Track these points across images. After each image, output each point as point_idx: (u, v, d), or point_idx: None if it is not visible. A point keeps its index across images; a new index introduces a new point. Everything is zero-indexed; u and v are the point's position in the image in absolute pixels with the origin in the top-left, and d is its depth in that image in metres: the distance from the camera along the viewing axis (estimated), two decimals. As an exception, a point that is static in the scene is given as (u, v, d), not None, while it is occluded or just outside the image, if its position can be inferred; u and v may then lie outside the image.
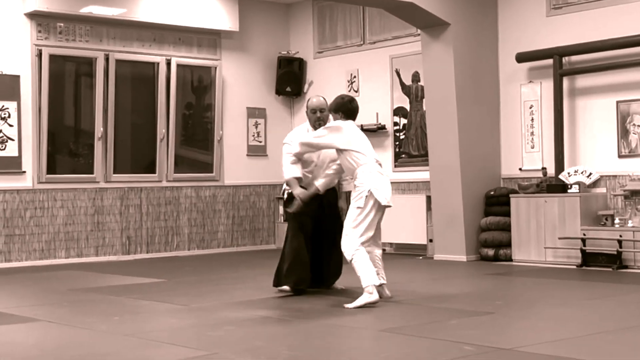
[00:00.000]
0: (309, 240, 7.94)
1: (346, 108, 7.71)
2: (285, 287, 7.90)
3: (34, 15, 11.60)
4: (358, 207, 7.34)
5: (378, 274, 7.38)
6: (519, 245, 10.61)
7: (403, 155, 12.48)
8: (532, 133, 11.13)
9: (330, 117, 7.91)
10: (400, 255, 12.04)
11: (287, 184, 7.92)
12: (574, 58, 10.74)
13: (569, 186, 10.30)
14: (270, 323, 6.66)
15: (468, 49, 11.21)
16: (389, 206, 7.48)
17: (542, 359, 5.10)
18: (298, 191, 7.74)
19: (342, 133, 7.52)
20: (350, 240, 7.29)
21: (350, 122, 7.68)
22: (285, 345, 5.75)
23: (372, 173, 7.41)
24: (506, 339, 5.87)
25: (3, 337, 6.27)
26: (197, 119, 13.28)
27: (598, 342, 5.67)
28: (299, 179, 7.82)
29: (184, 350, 5.57)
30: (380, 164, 7.56)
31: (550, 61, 10.78)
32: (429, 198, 11.69)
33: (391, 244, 12.41)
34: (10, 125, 11.38)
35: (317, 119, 7.94)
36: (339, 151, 7.55)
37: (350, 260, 7.29)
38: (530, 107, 11.16)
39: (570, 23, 10.77)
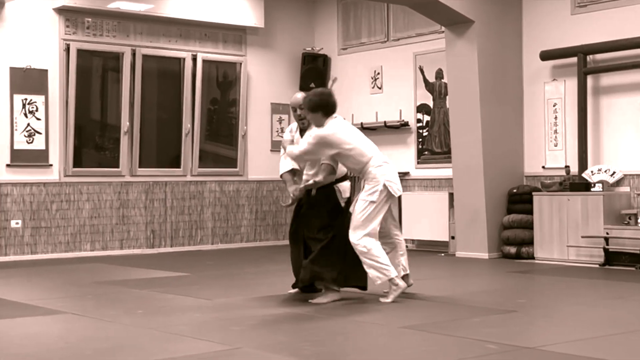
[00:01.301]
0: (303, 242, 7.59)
1: (326, 104, 7.25)
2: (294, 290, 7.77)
3: (62, 10, 11.61)
4: (372, 202, 7.19)
5: (399, 264, 7.33)
6: (542, 244, 10.52)
7: (426, 152, 12.41)
8: (555, 131, 11.04)
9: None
10: (422, 252, 11.98)
11: (283, 180, 7.74)
12: (599, 56, 10.63)
13: (592, 185, 10.20)
14: (292, 318, 6.62)
15: (492, 46, 11.13)
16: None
17: (566, 358, 5.03)
18: (292, 188, 7.52)
19: (330, 142, 7.12)
20: (361, 233, 7.18)
21: (334, 121, 7.26)
22: (307, 341, 5.71)
23: (382, 166, 7.26)
24: (529, 337, 5.80)
25: (28, 329, 6.28)
26: (221, 114, 13.27)
27: (621, 341, 5.59)
28: (294, 172, 7.61)
29: (208, 344, 5.55)
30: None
31: (574, 59, 10.68)
32: (451, 195, 11.60)
33: (413, 241, 12.35)
34: (38, 119, 11.40)
35: (298, 117, 7.53)
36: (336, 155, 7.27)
37: (365, 252, 7.14)
38: (554, 105, 11.07)
39: (595, 21, 10.67)
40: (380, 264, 7.13)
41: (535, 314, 6.80)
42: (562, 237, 10.31)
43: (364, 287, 7.55)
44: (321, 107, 7.23)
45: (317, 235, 7.37)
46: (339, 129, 7.21)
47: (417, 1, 10.74)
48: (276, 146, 13.61)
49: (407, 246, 12.07)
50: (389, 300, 7.13)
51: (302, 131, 7.52)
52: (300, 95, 7.59)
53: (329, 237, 7.32)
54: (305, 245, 7.50)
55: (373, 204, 7.19)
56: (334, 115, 7.33)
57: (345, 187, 7.52)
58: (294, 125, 7.74)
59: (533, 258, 10.59)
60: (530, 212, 10.73)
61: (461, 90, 11.17)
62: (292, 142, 7.60)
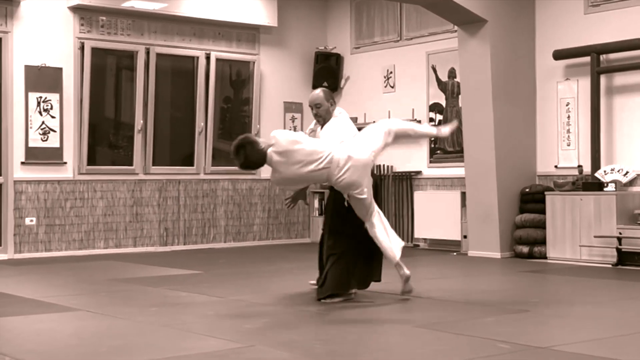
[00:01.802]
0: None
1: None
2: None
3: (77, 9, 11.63)
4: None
5: None
6: (554, 243, 10.49)
7: (438, 152, 12.39)
8: (568, 130, 11.01)
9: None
10: (434, 251, 11.96)
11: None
12: (612, 56, 10.59)
13: (605, 184, 10.17)
14: (305, 316, 6.62)
15: (505, 45, 11.09)
16: None
17: (578, 358, 5.02)
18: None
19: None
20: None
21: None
22: (320, 339, 5.70)
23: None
24: (542, 337, 5.78)
25: (43, 325, 6.29)
26: (234, 113, 13.28)
27: (634, 342, 5.57)
28: None
29: (221, 342, 5.55)
30: None
31: (587, 59, 10.64)
32: (463, 194, 11.58)
33: (425, 240, 12.34)
34: (53, 117, 11.43)
35: (315, 115, 7.53)
36: None
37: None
38: (567, 105, 11.03)
39: (608, 20, 10.63)
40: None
41: (547, 313, 6.78)
42: (574, 237, 10.28)
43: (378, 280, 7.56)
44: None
45: (328, 241, 7.33)
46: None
47: (430, 0, 10.73)
48: (289, 145, 13.60)
49: (418, 245, 12.12)
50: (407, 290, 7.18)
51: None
52: (317, 93, 7.52)
53: (338, 248, 7.22)
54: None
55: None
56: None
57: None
58: (313, 123, 7.69)
59: (545, 258, 10.55)
60: (542, 211, 10.70)
61: (474, 90, 11.15)
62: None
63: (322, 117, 7.42)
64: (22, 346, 5.49)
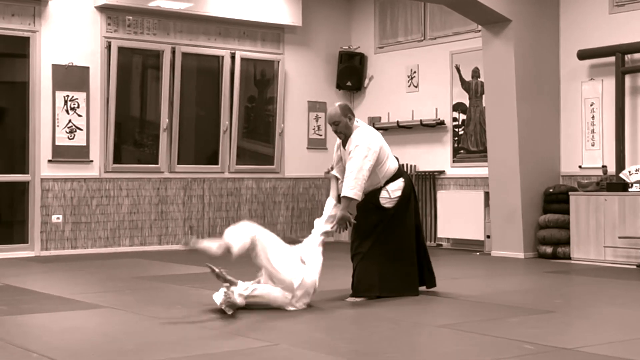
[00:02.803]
0: None
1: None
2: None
3: (104, 9, 11.67)
4: None
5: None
6: (578, 244, 10.42)
7: (462, 151, 12.35)
8: (592, 131, 10.94)
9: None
10: (457, 250, 11.92)
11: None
12: (637, 55, 10.51)
13: (630, 185, 10.09)
14: (330, 315, 6.60)
15: (529, 45, 11.04)
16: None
17: None
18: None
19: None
20: None
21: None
22: (344, 338, 5.69)
23: None
24: (567, 338, 5.74)
25: (69, 323, 6.31)
26: (259, 112, 13.28)
27: (660, 343, 5.53)
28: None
29: (246, 340, 5.55)
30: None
31: (612, 59, 10.58)
32: (487, 194, 11.53)
33: (448, 240, 12.30)
34: (79, 116, 11.46)
35: (335, 132, 7.40)
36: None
37: None
38: (591, 105, 10.96)
39: (633, 20, 10.55)
40: None
41: (572, 314, 6.74)
42: (598, 238, 10.20)
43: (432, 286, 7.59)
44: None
45: (354, 242, 7.38)
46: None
47: (454, 0, 10.68)
48: (312, 144, 13.62)
49: (441, 245, 12.06)
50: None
51: (343, 144, 7.42)
52: (333, 110, 7.35)
53: (362, 248, 7.27)
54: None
55: None
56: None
57: (393, 187, 7.36)
58: (338, 142, 7.57)
59: (569, 258, 10.49)
60: (566, 211, 10.63)
61: (498, 89, 11.09)
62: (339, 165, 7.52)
63: (343, 133, 7.33)
64: (49, 343, 5.51)
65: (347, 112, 7.30)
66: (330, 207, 7.32)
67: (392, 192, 7.31)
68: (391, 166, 7.36)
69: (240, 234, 6.65)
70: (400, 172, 7.44)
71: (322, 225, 7.22)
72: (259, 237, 6.68)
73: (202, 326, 6.03)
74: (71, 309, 6.83)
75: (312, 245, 7.03)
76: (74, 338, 5.72)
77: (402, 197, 7.35)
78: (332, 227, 7.23)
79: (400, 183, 7.36)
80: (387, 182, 7.32)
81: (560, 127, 11.30)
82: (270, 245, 6.72)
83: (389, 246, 7.28)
